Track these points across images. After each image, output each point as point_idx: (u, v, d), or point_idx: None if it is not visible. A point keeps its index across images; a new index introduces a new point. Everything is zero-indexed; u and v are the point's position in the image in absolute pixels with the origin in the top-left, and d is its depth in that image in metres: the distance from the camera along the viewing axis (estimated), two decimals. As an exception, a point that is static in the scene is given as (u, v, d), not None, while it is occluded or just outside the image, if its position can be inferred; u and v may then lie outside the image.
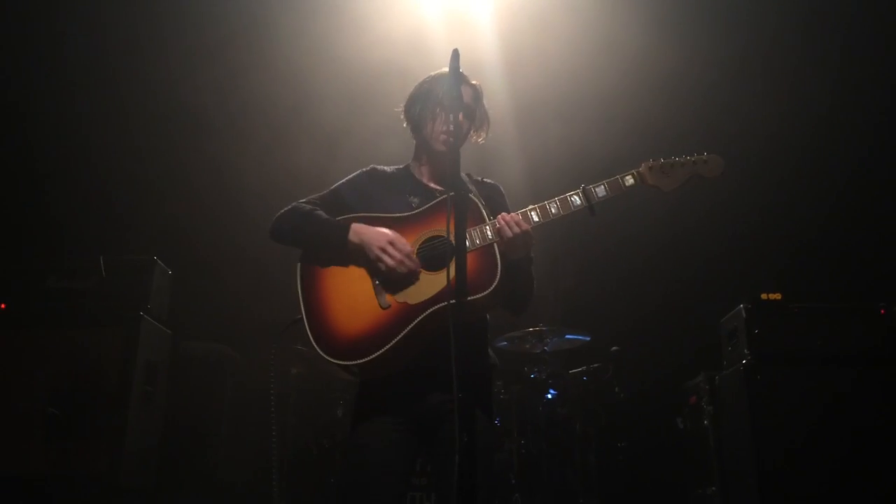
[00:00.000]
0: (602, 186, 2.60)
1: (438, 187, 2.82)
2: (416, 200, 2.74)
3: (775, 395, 4.26)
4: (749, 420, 4.27)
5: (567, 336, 5.48)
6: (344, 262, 2.63)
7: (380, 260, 2.55)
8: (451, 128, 2.55)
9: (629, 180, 2.62)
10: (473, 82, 2.83)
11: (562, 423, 5.32)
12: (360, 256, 2.60)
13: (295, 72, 5.96)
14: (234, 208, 6.05)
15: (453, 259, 2.43)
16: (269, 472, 4.22)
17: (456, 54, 2.40)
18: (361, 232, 2.61)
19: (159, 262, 4.88)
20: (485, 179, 2.93)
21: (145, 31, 5.75)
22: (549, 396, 5.33)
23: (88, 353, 4.42)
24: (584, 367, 5.47)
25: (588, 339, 5.52)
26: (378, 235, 2.58)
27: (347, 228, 2.62)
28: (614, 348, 5.41)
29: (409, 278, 2.55)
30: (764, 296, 4.58)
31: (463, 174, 2.82)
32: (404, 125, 2.91)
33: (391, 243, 2.56)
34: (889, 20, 5.52)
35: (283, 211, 2.76)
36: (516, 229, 2.51)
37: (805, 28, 5.70)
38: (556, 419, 5.32)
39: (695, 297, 5.87)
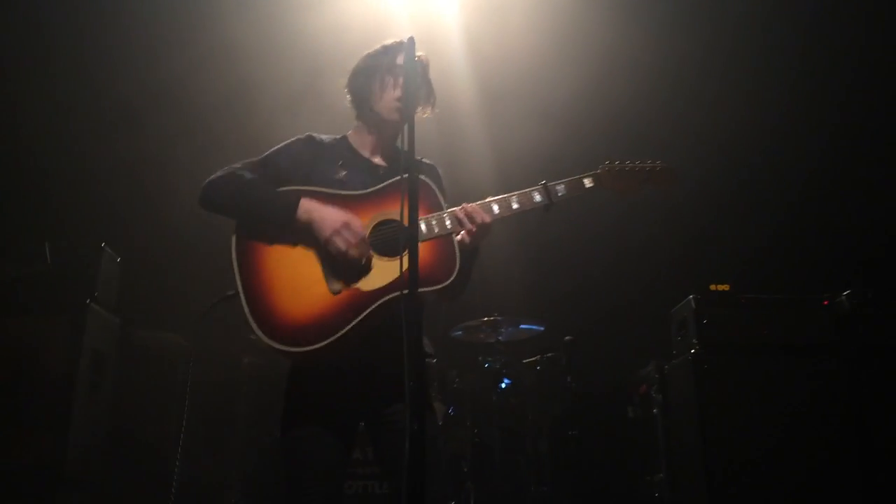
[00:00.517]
0: (562, 185, 2.59)
1: (380, 162, 2.73)
2: (342, 173, 2.61)
3: (722, 384, 4.34)
4: (696, 408, 4.35)
5: (521, 326, 5.52)
6: (288, 239, 2.46)
7: (331, 243, 2.40)
8: (400, 93, 2.51)
9: (588, 182, 2.62)
10: (419, 54, 2.69)
11: (515, 412, 5.37)
12: (308, 235, 2.44)
13: (239, 55, 5.89)
14: (186, 193, 5.94)
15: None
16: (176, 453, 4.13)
17: (412, 41, 2.37)
18: (312, 210, 2.44)
19: (107, 248, 4.77)
20: (423, 160, 2.79)
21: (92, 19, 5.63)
22: (503, 385, 5.37)
23: (33, 341, 4.32)
24: (538, 357, 5.53)
25: (542, 328, 5.57)
26: (332, 216, 2.42)
27: (296, 205, 2.45)
28: (567, 338, 5.46)
29: (360, 264, 2.43)
30: (713, 286, 4.66)
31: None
32: (347, 99, 2.79)
33: (346, 226, 2.41)
34: (847, 26, 5.67)
35: (216, 176, 2.55)
36: (478, 220, 2.48)
37: (767, 27, 5.82)
38: (509, 408, 5.36)
39: (646, 287, 5.96)
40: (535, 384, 5.46)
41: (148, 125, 5.92)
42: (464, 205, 2.51)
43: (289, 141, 2.70)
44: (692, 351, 4.48)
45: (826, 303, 4.55)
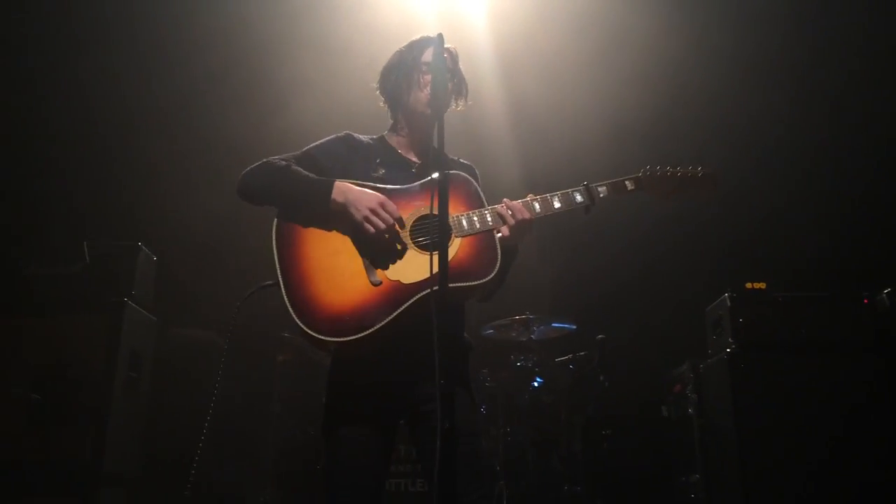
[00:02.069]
0: (604, 187, 2.58)
1: (416, 159, 2.73)
2: (381, 171, 2.62)
3: (758, 384, 4.28)
4: (732, 408, 4.30)
5: (553, 324, 5.50)
6: (327, 227, 2.47)
7: (367, 221, 2.40)
8: (429, 91, 2.49)
9: (629, 185, 2.61)
10: (449, 46, 2.70)
11: (547, 411, 5.35)
12: (344, 219, 2.44)
13: (282, 56, 5.94)
14: (222, 192, 6.01)
15: (452, 242, 2.40)
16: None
17: (440, 38, 2.36)
18: (347, 191, 2.45)
19: (144, 247, 4.84)
20: (460, 159, 2.82)
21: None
22: (535, 384, 5.34)
23: (72, 339, 4.38)
24: (570, 356, 5.49)
25: (574, 327, 5.54)
26: (366, 196, 2.44)
27: (331, 186, 2.45)
28: (600, 336, 5.42)
29: (398, 253, 2.43)
30: (749, 285, 4.60)
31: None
32: (381, 103, 2.81)
33: (382, 205, 2.42)
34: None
35: (253, 166, 2.58)
36: (520, 217, 2.46)
37: (809, 29, 5.72)
38: (541, 407, 5.34)
39: (680, 285, 5.89)
40: (568, 383, 5.43)
41: (187, 127, 6.00)
42: (505, 200, 2.49)
43: (328, 138, 2.71)
44: (728, 350, 4.43)
45: (866, 301, 4.47)
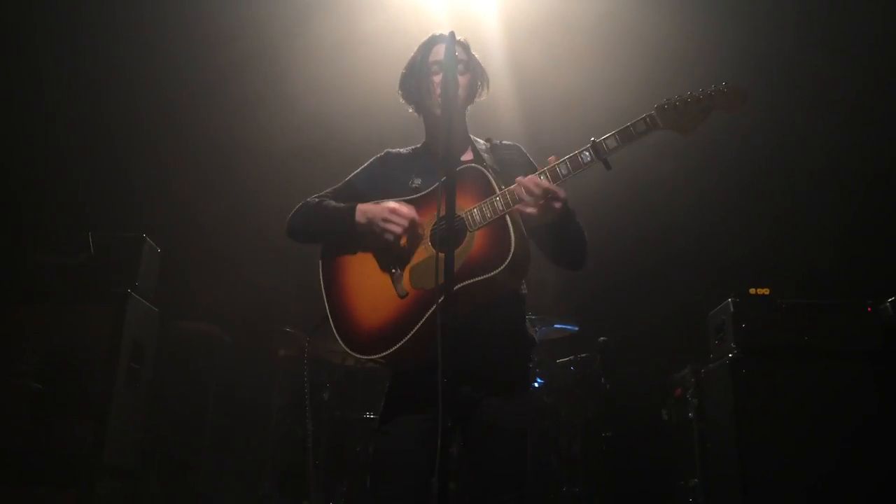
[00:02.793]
0: (613, 138, 2.40)
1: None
2: (417, 181, 2.65)
3: (760, 390, 4.28)
4: (733, 413, 4.29)
5: (555, 325, 5.48)
6: (362, 252, 2.58)
7: (385, 231, 2.48)
8: (440, 90, 2.46)
9: (640, 126, 2.41)
10: (459, 38, 2.69)
11: (548, 412, 5.33)
12: (373, 239, 2.54)
13: (292, 55, 5.94)
14: (227, 186, 6.03)
15: (465, 239, 2.41)
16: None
17: (452, 36, 2.36)
18: (366, 210, 2.55)
19: (148, 239, 4.85)
20: (503, 142, 2.80)
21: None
22: (536, 385, 5.33)
23: (75, 329, 4.39)
24: (572, 357, 5.48)
25: (576, 328, 5.52)
26: (379, 208, 2.52)
27: (354, 210, 2.57)
28: (602, 339, 5.41)
29: (421, 260, 2.46)
30: (752, 290, 4.59)
31: (481, 140, 2.76)
32: (410, 110, 2.82)
33: (393, 211, 2.49)
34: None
35: (295, 209, 2.73)
36: (536, 190, 2.35)
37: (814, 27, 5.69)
38: (542, 408, 5.33)
39: (684, 289, 5.88)
40: (569, 385, 5.41)
41: (193, 120, 6.01)
42: (518, 179, 2.40)
43: (367, 163, 2.80)
44: (730, 355, 4.42)
45: (869, 309, 4.46)
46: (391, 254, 2.53)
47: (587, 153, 2.41)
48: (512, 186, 2.41)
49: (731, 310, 4.53)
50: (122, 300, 4.49)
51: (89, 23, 5.70)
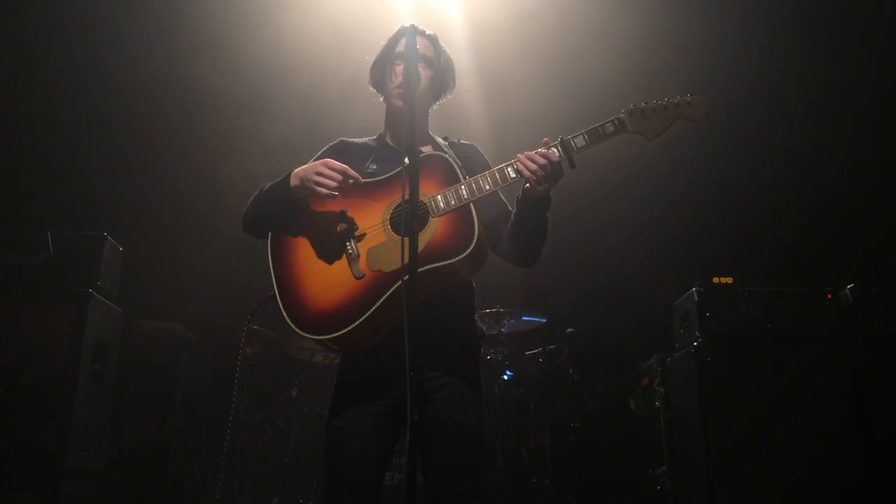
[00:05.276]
0: (581, 136, 2.43)
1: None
2: (373, 167, 2.63)
3: (725, 377, 4.34)
4: (699, 401, 4.35)
5: (524, 318, 5.52)
6: (313, 230, 2.52)
7: (318, 184, 2.43)
8: (401, 79, 2.46)
9: (609, 128, 2.45)
10: (429, 32, 2.72)
11: (517, 404, 5.37)
12: (325, 219, 2.50)
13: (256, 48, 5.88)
14: (190, 183, 5.95)
15: (428, 223, 2.39)
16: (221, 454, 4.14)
17: (412, 29, 2.38)
18: (298, 171, 2.50)
19: (110, 238, 4.76)
20: (461, 141, 2.82)
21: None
22: (505, 377, 5.36)
23: (36, 330, 4.30)
24: (540, 349, 5.52)
25: (544, 321, 5.56)
26: (310, 166, 2.48)
27: (288, 175, 2.51)
28: (569, 330, 5.46)
29: (385, 243, 2.42)
30: (716, 279, 4.65)
31: (439, 137, 2.76)
32: (380, 99, 2.80)
33: (324, 165, 2.45)
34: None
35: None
36: (541, 161, 2.36)
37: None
38: (511, 400, 5.36)
39: (649, 280, 5.94)
40: (537, 376, 5.45)
41: (152, 118, 5.92)
42: (520, 153, 2.42)
43: (321, 151, 2.75)
44: (695, 343, 4.48)
45: (830, 296, 4.55)
46: (345, 233, 2.48)
47: (555, 150, 2.43)
48: (482, 174, 2.43)
49: (696, 298, 4.59)
50: (84, 300, 4.41)
51: (44, 19, 5.57)
